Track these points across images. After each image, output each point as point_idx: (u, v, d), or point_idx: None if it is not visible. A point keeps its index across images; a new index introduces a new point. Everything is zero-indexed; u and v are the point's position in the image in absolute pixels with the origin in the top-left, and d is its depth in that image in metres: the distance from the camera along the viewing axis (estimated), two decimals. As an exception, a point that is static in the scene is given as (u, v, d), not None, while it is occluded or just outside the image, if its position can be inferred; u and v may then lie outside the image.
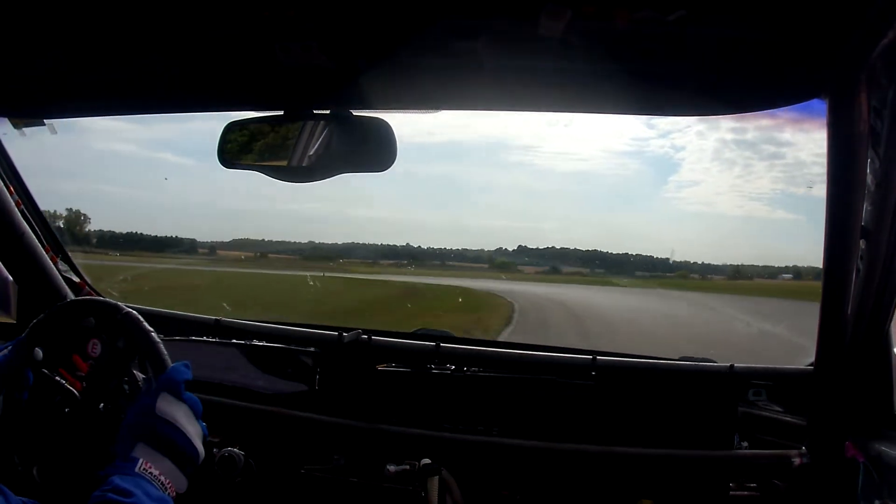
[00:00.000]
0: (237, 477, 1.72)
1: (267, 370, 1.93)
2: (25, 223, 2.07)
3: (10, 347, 1.38)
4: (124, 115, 1.90)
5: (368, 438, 1.78)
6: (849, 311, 1.47)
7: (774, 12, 1.11)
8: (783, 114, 1.30)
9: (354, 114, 1.39)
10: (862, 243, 1.38)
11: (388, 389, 1.84)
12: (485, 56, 1.26)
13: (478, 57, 1.26)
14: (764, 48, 1.22)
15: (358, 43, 1.29)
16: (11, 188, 2.03)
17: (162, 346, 1.30)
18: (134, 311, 1.36)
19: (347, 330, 1.95)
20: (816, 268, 1.53)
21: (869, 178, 1.30)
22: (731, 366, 1.78)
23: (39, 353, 1.38)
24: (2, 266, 2.12)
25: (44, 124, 1.89)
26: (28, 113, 1.84)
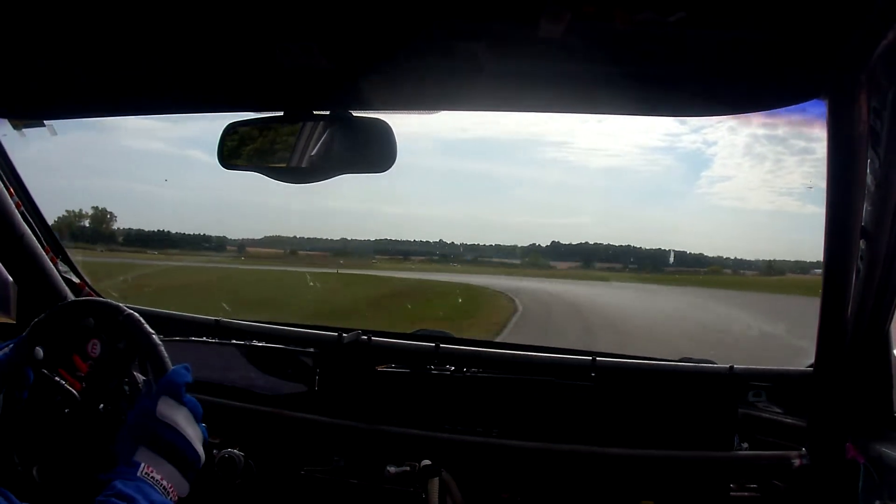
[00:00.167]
0: (237, 478, 1.72)
1: (267, 371, 1.93)
2: (25, 224, 2.07)
3: (10, 346, 1.38)
4: (124, 115, 1.90)
5: (368, 440, 1.78)
6: (849, 312, 1.48)
7: (774, 13, 1.11)
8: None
9: (354, 115, 1.39)
10: (862, 244, 1.38)
11: (387, 390, 1.84)
12: (484, 57, 1.26)
13: (477, 58, 1.26)
14: (764, 49, 1.22)
15: (358, 44, 1.29)
16: (11, 189, 2.03)
17: (163, 348, 1.30)
18: (135, 313, 1.35)
19: (348, 331, 1.95)
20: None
21: (869, 179, 1.30)
22: (731, 367, 1.78)
23: (40, 351, 1.38)
24: (2, 267, 2.12)
25: (43, 125, 1.89)
26: (28, 114, 1.84)
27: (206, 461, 1.21)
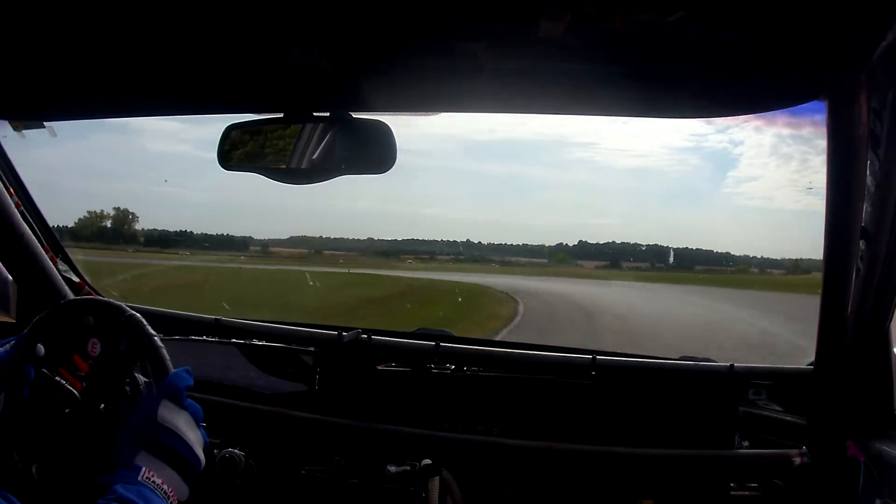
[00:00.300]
0: (238, 478, 1.72)
1: (267, 370, 1.93)
2: (25, 224, 2.07)
3: (11, 343, 1.39)
4: (124, 117, 1.89)
5: (369, 439, 1.78)
6: (849, 311, 1.48)
7: (774, 13, 1.11)
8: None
9: (354, 116, 1.39)
10: (862, 244, 1.38)
11: (388, 389, 1.84)
12: (484, 58, 1.26)
13: (477, 59, 1.26)
14: (763, 49, 1.22)
15: (358, 45, 1.28)
16: (11, 189, 2.03)
17: (165, 351, 1.30)
18: (137, 314, 1.35)
19: (348, 330, 1.95)
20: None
21: (869, 180, 1.30)
22: (731, 365, 1.78)
23: (41, 349, 1.39)
24: (1, 266, 2.12)
25: (43, 126, 1.89)
26: (28, 115, 1.84)
27: (206, 460, 1.22)
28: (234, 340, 1.98)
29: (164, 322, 1.78)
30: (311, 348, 1.90)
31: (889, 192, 1.28)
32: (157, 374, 1.28)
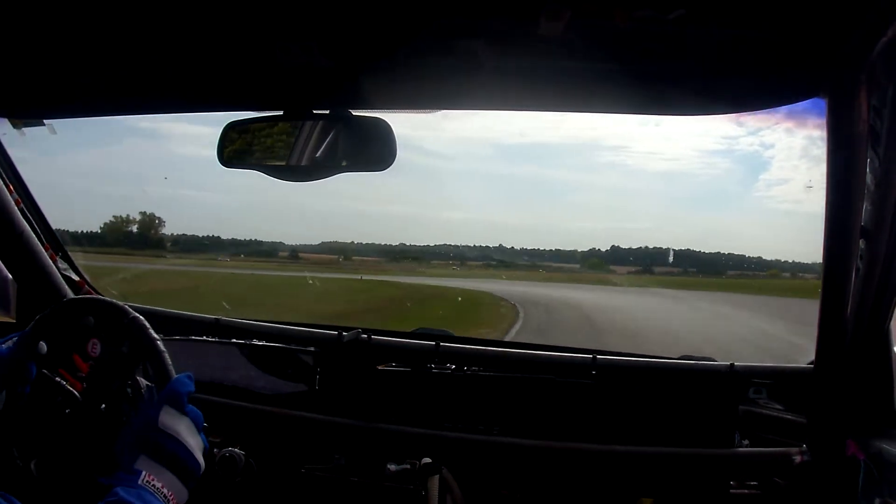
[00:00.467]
0: (238, 477, 1.72)
1: (267, 370, 1.93)
2: (25, 222, 2.07)
3: (14, 340, 1.39)
4: (124, 115, 1.90)
5: (369, 438, 1.78)
6: (849, 310, 1.48)
7: (774, 12, 1.11)
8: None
9: (354, 113, 1.40)
10: (862, 243, 1.38)
11: (388, 389, 1.84)
12: (484, 56, 1.26)
13: (477, 57, 1.26)
14: (763, 47, 1.22)
15: (357, 43, 1.29)
16: (11, 187, 2.03)
17: (167, 355, 1.29)
18: (141, 317, 1.35)
19: (348, 330, 1.95)
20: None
21: (869, 178, 1.30)
22: (732, 364, 1.78)
23: (44, 346, 1.39)
24: (1, 265, 2.12)
25: (43, 124, 1.89)
26: (28, 113, 1.84)
27: (206, 459, 1.22)
28: (235, 340, 1.98)
29: (164, 322, 1.78)
30: (311, 348, 1.90)
31: (889, 190, 1.28)
32: (159, 378, 1.28)
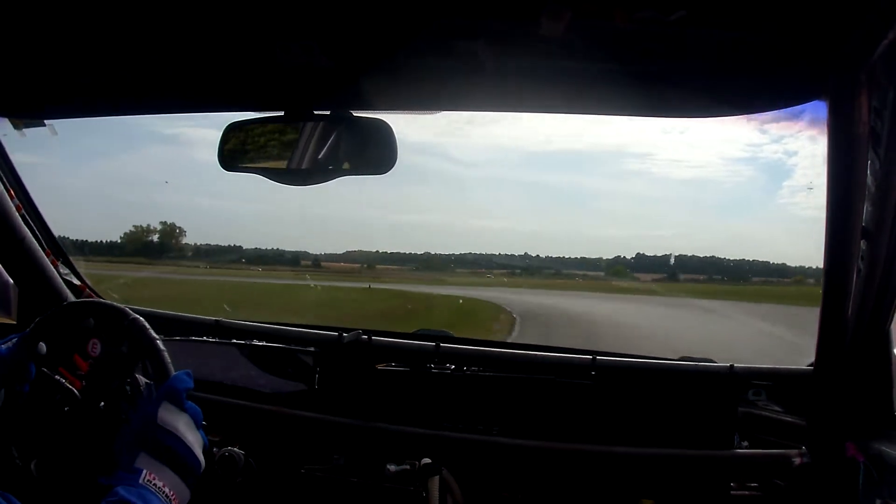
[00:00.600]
0: (238, 476, 1.72)
1: (267, 370, 1.93)
2: (26, 227, 2.07)
3: (14, 340, 1.39)
4: (125, 115, 1.89)
5: (368, 438, 1.78)
6: (849, 312, 1.47)
7: (774, 13, 1.11)
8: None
9: (355, 114, 1.40)
10: (863, 244, 1.38)
11: (387, 389, 1.84)
12: (485, 57, 1.26)
13: (478, 57, 1.26)
14: (764, 49, 1.22)
15: (358, 43, 1.29)
16: (12, 192, 2.03)
17: (167, 354, 1.29)
18: (141, 318, 1.35)
19: (348, 330, 1.95)
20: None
21: (869, 179, 1.30)
22: (731, 366, 1.78)
23: (43, 347, 1.39)
24: (2, 269, 2.12)
25: (44, 125, 1.89)
26: (28, 114, 1.84)
27: (206, 459, 1.22)
28: (235, 341, 1.98)
29: (164, 323, 1.78)
30: (311, 349, 1.90)
31: (890, 191, 1.28)
32: (157, 375, 1.28)
